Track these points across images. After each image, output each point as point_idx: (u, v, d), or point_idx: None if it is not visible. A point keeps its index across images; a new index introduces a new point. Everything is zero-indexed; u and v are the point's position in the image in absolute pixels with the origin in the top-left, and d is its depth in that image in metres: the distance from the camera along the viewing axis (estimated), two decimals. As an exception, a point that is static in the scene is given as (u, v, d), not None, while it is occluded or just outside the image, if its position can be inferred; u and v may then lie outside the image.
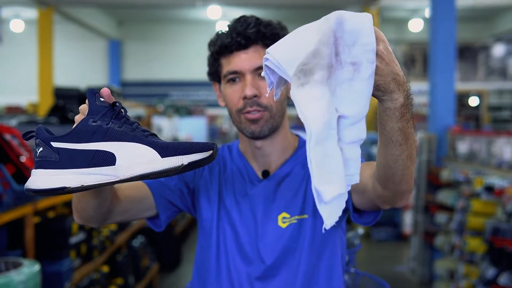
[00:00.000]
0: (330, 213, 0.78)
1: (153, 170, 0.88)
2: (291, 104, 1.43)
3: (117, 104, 0.94)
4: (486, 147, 4.66)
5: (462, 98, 13.80)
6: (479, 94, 14.52)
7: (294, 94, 0.76)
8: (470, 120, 12.70)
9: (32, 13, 11.15)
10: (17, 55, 13.57)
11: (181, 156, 0.89)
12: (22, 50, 13.27)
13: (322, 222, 1.30)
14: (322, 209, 0.78)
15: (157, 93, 13.92)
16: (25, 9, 11.54)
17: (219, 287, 1.30)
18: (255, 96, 1.25)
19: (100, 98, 0.93)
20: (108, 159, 0.89)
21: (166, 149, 0.90)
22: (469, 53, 14.44)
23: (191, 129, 8.83)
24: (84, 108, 0.96)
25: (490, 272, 3.53)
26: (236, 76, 1.27)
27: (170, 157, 0.89)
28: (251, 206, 1.31)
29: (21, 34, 12.85)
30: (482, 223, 3.88)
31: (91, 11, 12.03)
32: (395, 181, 1.02)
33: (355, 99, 0.78)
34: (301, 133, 1.49)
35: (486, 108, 14.40)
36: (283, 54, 0.79)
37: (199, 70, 13.45)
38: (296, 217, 1.29)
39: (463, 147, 5.06)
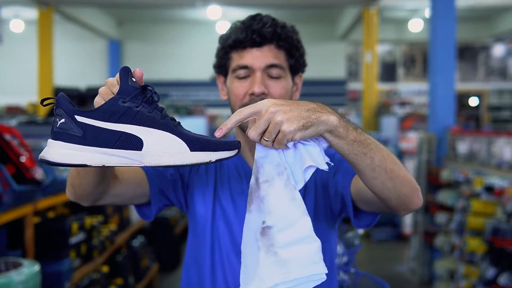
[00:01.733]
0: None
1: (181, 163, 0.87)
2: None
3: (149, 88, 0.92)
4: (486, 147, 4.66)
5: (462, 98, 13.81)
6: (479, 94, 14.52)
7: None
8: (470, 120, 12.70)
9: (32, 13, 11.15)
10: (17, 55, 13.57)
11: (210, 152, 0.88)
12: (22, 50, 13.27)
13: (323, 223, 1.31)
14: None
15: (157, 93, 13.91)
16: (25, 9, 11.53)
17: (213, 285, 1.30)
18: (263, 93, 1.25)
19: (133, 79, 0.90)
20: (135, 143, 0.87)
21: (195, 143, 0.88)
22: (469, 53, 14.44)
23: (191, 129, 8.75)
24: (111, 82, 0.93)
25: (490, 272, 3.53)
26: (246, 72, 1.27)
27: (200, 152, 0.88)
28: (247, 203, 1.31)
29: (21, 34, 12.85)
30: (482, 223, 3.88)
31: (91, 11, 12.03)
32: (389, 187, 1.01)
33: (274, 209, 0.91)
34: None
35: (486, 108, 14.40)
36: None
37: (199, 70, 13.49)
38: None
39: (463, 147, 5.06)
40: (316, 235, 1.29)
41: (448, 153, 5.36)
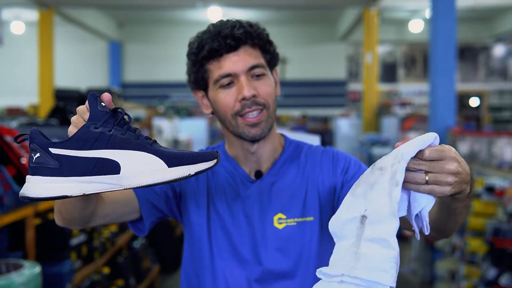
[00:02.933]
0: None
1: (161, 181, 0.87)
2: (291, 105, 1.43)
3: (119, 110, 0.91)
4: (487, 147, 4.66)
5: (462, 99, 13.81)
6: (480, 95, 14.52)
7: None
8: (470, 120, 12.70)
9: (32, 14, 11.16)
10: (17, 56, 13.59)
11: (188, 166, 0.88)
12: (23, 52, 13.29)
13: (327, 232, 1.30)
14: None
15: (158, 94, 13.93)
16: (25, 10, 11.55)
17: None
18: (253, 96, 1.24)
19: (102, 103, 0.89)
20: (112, 167, 0.86)
21: (172, 158, 0.88)
22: (469, 54, 14.45)
23: (192, 130, 8.83)
24: (82, 110, 0.93)
25: (491, 272, 3.53)
26: (230, 80, 1.24)
27: (177, 167, 0.88)
28: (245, 208, 1.29)
29: (22, 36, 12.87)
30: (483, 224, 3.87)
31: (92, 12, 12.04)
32: (449, 227, 1.08)
33: (374, 198, 0.88)
34: (285, 132, 1.49)
35: (486, 108, 14.40)
36: None
37: (200, 71, 13.52)
38: (296, 219, 1.28)
39: (463, 147, 5.06)
40: (323, 247, 1.29)
41: (449, 154, 5.36)
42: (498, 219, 3.70)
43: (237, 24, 1.26)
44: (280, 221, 1.28)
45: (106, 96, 0.91)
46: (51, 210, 2.87)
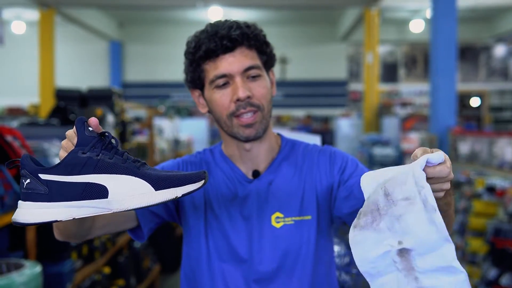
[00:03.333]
0: None
1: (148, 204, 0.89)
2: (292, 105, 1.43)
3: (106, 134, 0.92)
4: (488, 147, 4.65)
5: (463, 99, 13.80)
6: (480, 95, 14.52)
7: (350, 234, 0.91)
8: (471, 120, 12.70)
9: (33, 14, 11.17)
10: (18, 56, 13.59)
11: (175, 188, 0.90)
12: (24, 52, 13.30)
13: (327, 223, 1.31)
14: None
15: (158, 94, 13.93)
16: (26, 10, 11.55)
17: None
18: (248, 97, 1.24)
19: (89, 128, 0.91)
20: (100, 192, 0.88)
21: (159, 181, 0.90)
22: (470, 54, 14.44)
23: (192, 130, 8.83)
24: (70, 134, 0.94)
25: (492, 272, 3.53)
26: (225, 80, 1.25)
27: (164, 190, 0.90)
28: (242, 208, 1.29)
29: (23, 36, 12.88)
30: (483, 224, 3.87)
31: (92, 12, 12.05)
32: None
33: (413, 230, 0.85)
34: (283, 132, 1.49)
35: (487, 108, 14.40)
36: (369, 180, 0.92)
37: (200, 71, 13.54)
38: (294, 218, 1.28)
39: (464, 147, 5.06)
40: (321, 246, 1.30)
41: (450, 154, 5.36)
42: (499, 219, 3.70)
43: (234, 25, 1.26)
44: (277, 220, 1.28)
45: (93, 120, 0.92)
46: (51, 210, 2.87)
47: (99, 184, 0.88)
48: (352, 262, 1.70)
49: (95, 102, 4.22)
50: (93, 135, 0.90)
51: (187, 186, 0.91)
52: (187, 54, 1.31)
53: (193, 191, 0.92)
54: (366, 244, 0.88)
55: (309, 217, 1.29)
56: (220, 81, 1.25)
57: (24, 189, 0.88)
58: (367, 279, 0.89)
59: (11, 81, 13.82)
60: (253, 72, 1.26)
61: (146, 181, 0.90)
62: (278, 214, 1.29)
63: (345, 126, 10.82)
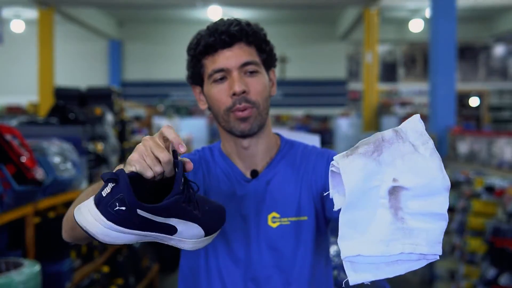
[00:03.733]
0: (354, 270, 0.84)
1: (194, 249, 1.00)
2: (291, 104, 1.43)
3: (192, 185, 0.96)
4: (487, 147, 4.66)
5: (462, 99, 13.81)
6: (480, 95, 14.53)
7: (340, 162, 0.84)
8: (470, 120, 12.70)
9: (32, 13, 11.16)
10: (17, 55, 13.59)
11: (212, 236, 1.02)
12: (23, 50, 13.29)
13: (323, 224, 1.32)
14: (345, 265, 0.85)
15: (158, 93, 13.93)
16: (25, 9, 11.55)
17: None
18: (244, 92, 1.25)
19: (182, 180, 0.94)
20: (171, 230, 0.95)
21: (207, 230, 1.00)
22: (469, 53, 14.45)
23: (192, 129, 8.82)
24: (157, 151, 0.91)
25: (491, 272, 3.53)
26: (222, 75, 1.27)
27: (208, 237, 1.01)
28: (240, 207, 1.30)
29: (22, 35, 12.87)
30: (482, 224, 3.88)
31: (92, 11, 12.04)
32: None
33: (418, 171, 0.83)
34: (282, 132, 1.49)
35: (486, 108, 14.41)
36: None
37: (200, 70, 13.55)
38: (290, 218, 1.28)
39: (463, 147, 5.06)
40: (318, 246, 1.30)
41: (449, 153, 5.36)
42: (497, 219, 3.70)
43: (234, 22, 1.28)
44: (274, 220, 1.29)
45: (189, 166, 0.94)
46: (51, 209, 2.87)
47: (173, 225, 0.95)
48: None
49: (94, 101, 4.21)
50: (183, 185, 0.93)
51: (216, 233, 1.03)
52: (189, 50, 1.32)
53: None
54: (363, 173, 0.83)
55: (305, 218, 1.29)
56: (218, 75, 1.27)
57: (113, 211, 0.88)
58: (343, 209, 0.84)
59: (10, 79, 13.81)
60: (250, 68, 1.27)
61: (203, 229, 0.99)
62: (274, 214, 1.29)
63: (344, 125, 10.82)
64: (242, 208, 1.30)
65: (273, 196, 1.30)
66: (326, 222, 1.33)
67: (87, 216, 0.90)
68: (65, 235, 1.17)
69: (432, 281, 5.19)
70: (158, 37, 14.39)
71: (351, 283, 0.84)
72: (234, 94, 1.25)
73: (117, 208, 0.88)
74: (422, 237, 0.83)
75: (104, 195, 0.89)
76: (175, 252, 5.44)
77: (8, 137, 2.23)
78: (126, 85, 14.28)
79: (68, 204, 3.06)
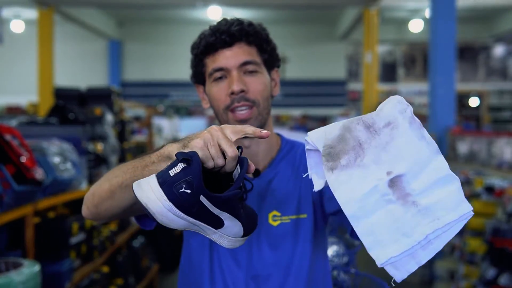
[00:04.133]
0: (396, 269, 0.83)
1: (232, 247, 0.99)
2: (291, 104, 1.43)
3: (247, 184, 0.96)
4: (486, 147, 4.66)
5: (462, 99, 13.81)
6: (479, 95, 14.53)
7: (326, 178, 0.86)
8: (470, 120, 12.70)
9: (32, 13, 11.15)
10: (17, 55, 13.58)
11: (246, 237, 1.00)
12: (22, 51, 13.28)
13: (321, 221, 1.32)
14: (387, 269, 0.84)
15: (157, 93, 13.92)
16: (25, 9, 11.54)
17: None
18: (242, 91, 1.26)
19: (244, 180, 0.94)
20: (217, 223, 0.93)
21: (246, 231, 0.99)
22: (469, 54, 14.45)
23: (191, 129, 8.83)
24: (219, 140, 0.91)
25: (490, 272, 3.53)
26: (222, 74, 1.28)
27: (243, 238, 0.99)
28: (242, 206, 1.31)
29: (22, 35, 12.86)
30: (482, 224, 3.88)
31: (91, 11, 12.04)
32: None
33: (403, 154, 0.83)
34: (282, 132, 1.50)
35: (486, 108, 14.41)
36: (317, 136, 0.89)
37: (199, 71, 13.55)
38: (291, 216, 1.29)
39: (463, 147, 5.06)
40: (316, 243, 1.31)
41: (449, 153, 5.36)
42: (497, 219, 3.70)
43: (236, 22, 1.29)
44: (274, 218, 1.30)
45: (252, 169, 0.93)
46: (50, 209, 2.87)
47: (223, 219, 0.93)
48: (351, 261, 1.70)
49: (94, 101, 4.21)
50: (241, 185, 0.94)
51: (248, 236, 1.01)
52: (192, 49, 1.34)
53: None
54: (351, 183, 0.84)
55: (305, 216, 1.30)
56: (217, 74, 1.28)
57: (177, 192, 0.87)
58: (353, 224, 0.83)
59: (10, 80, 13.81)
60: (250, 67, 1.28)
61: (243, 228, 0.98)
62: (275, 212, 1.30)
63: (344, 125, 10.81)
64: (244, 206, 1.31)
65: (274, 195, 1.31)
66: (324, 219, 1.34)
67: (149, 193, 0.88)
68: (87, 211, 1.16)
69: (432, 281, 5.19)
70: (158, 37, 14.38)
71: (398, 280, 0.83)
72: (232, 93, 1.26)
73: (182, 190, 0.87)
74: (442, 208, 0.82)
75: (171, 175, 0.88)
76: (175, 252, 5.44)
77: (8, 137, 2.23)
78: (125, 85, 14.28)
79: (68, 204, 3.07)
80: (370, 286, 1.52)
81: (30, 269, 1.93)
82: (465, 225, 3.39)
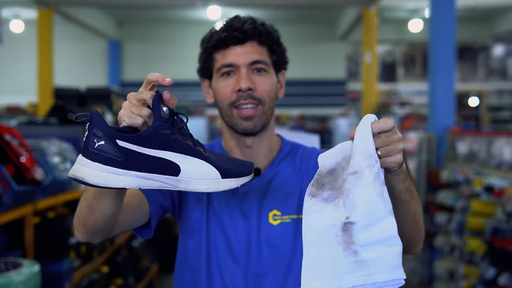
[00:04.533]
0: None
1: (214, 190, 0.92)
2: (291, 104, 1.44)
3: (180, 116, 0.95)
4: (486, 147, 4.66)
5: (462, 99, 13.81)
6: (479, 95, 14.53)
7: (304, 200, 0.92)
8: (469, 120, 12.70)
9: (32, 13, 11.15)
10: (17, 55, 13.57)
11: (236, 179, 0.94)
12: (22, 51, 13.27)
13: None
14: None
15: (157, 93, 13.90)
16: (25, 9, 11.53)
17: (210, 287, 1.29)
18: (250, 89, 1.26)
19: (164, 108, 0.92)
20: (172, 169, 0.90)
21: (224, 170, 0.94)
22: (469, 54, 14.45)
23: (191, 129, 8.77)
24: (138, 99, 0.93)
25: (490, 272, 3.53)
26: (230, 70, 1.28)
27: (229, 179, 0.93)
28: (242, 205, 1.30)
29: (21, 35, 12.85)
30: (482, 224, 3.88)
31: (91, 11, 12.03)
32: (408, 233, 1.10)
33: (359, 203, 0.87)
34: (282, 132, 1.50)
35: (486, 108, 14.40)
36: (325, 156, 0.95)
37: (199, 71, 13.52)
38: (291, 216, 1.30)
39: (462, 147, 5.06)
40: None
41: (448, 153, 5.36)
42: (497, 219, 3.71)
43: (249, 20, 1.30)
44: (275, 217, 1.30)
45: (168, 97, 0.93)
46: (50, 209, 2.87)
47: (173, 162, 0.90)
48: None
49: (93, 101, 4.22)
50: (169, 114, 0.92)
51: (243, 178, 0.96)
52: (202, 43, 1.34)
53: (247, 183, 0.97)
54: (321, 215, 0.90)
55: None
56: (226, 70, 1.28)
57: (93, 149, 0.86)
58: (304, 249, 0.90)
59: (9, 80, 13.80)
60: (259, 66, 1.29)
61: (215, 168, 0.92)
62: (275, 211, 1.30)
63: (344, 125, 10.82)
64: (245, 206, 1.31)
65: (274, 194, 1.31)
66: None
67: (78, 168, 0.87)
68: (79, 234, 1.16)
69: (432, 281, 5.19)
70: (158, 37, 14.38)
71: None
72: (239, 90, 1.26)
73: (97, 145, 0.86)
74: (377, 266, 0.86)
75: (84, 140, 0.88)
76: (174, 252, 5.44)
77: (8, 137, 2.23)
78: (125, 85, 14.27)
79: (67, 204, 3.06)
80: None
81: (29, 269, 1.93)
82: (465, 225, 3.36)
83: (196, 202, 1.33)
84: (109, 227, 1.13)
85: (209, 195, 1.33)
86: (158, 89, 0.96)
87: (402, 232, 1.06)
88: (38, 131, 3.12)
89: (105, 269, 3.38)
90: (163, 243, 5.25)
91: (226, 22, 1.31)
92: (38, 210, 2.53)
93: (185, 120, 0.95)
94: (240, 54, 1.28)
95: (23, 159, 2.22)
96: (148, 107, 0.93)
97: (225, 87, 1.29)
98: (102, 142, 0.87)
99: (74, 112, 3.48)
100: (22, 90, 13.12)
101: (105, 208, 1.06)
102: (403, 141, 0.93)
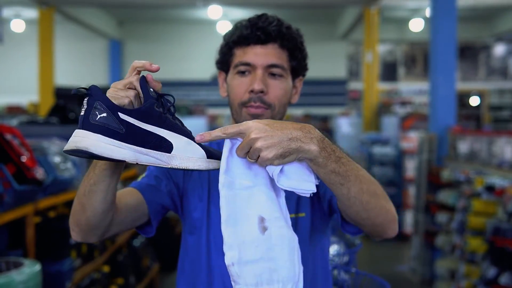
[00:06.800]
0: None
1: (202, 168, 0.95)
2: (293, 104, 1.43)
3: (168, 98, 0.98)
4: (487, 147, 4.65)
5: (462, 98, 13.80)
6: (480, 94, 14.52)
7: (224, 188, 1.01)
8: (470, 119, 12.69)
9: (32, 13, 11.15)
10: (17, 55, 13.58)
11: (218, 161, 0.97)
12: (23, 50, 13.28)
13: (319, 220, 1.32)
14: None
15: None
16: (25, 9, 11.54)
17: (210, 286, 1.29)
18: (262, 91, 1.26)
19: (150, 89, 0.96)
20: (166, 146, 0.93)
21: (208, 151, 0.98)
22: (469, 53, 14.44)
23: (192, 129, 8.78)
24: (120, 84, 0.98)
25: (491, 272, 3.53)
26: (247, 69, 1.28)
27: (213, 160, 0.97)
28: None
29: (22, 34, 12.86)
30: (483, 223, 3.87)
31: (92, 11, 12.03)
32: (363, 217, 1.06)
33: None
34: None
35: (487, 108, 14.39)
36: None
37: (200, 70, 13.48)
38: (290, 215, 1.29)
39: (463, 147, 5.06)
40: (315, 242, 1.32)
41: (449, 153, 5.35)
42: (498, 218, 3.70)
43: (276, 21, 1.30)
44: None
45: (152, 80, 0.97)
46: (51, 208, 2.87)
47: (167, 139, 0.93)
48: (351, 261, 1.70)
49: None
50: (156, 95, 0.96)
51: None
52: (224, 35, 1.35)
53: None
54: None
55: (303, 214, 1.31)
56: (242, 68, 1.28)
57: (94, 121, 0.88)
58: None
59: (10, 79, 13.80)
60: (276, 70, 1.28)
61: (201, 148, 0.97)
62: None
63: (345, 125, 10.81)
64: None
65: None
66: (324, 218, 1.34)
67: (74, 139, 0.89)
68: (74, 233, 1.17)
69: (433, 280, 5.18)
70: (158, 36, 14.38)
71: None
72: (251, 91, 1.26)
73: (99, 117, 0.89)
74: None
75: (83, 114, 0.89)
76: (175, 251, 5.44)
77: (9, 136, 2.23)
78: (126, 84, 14.28)
79: (68, 204, 3.06)
80: (370, 286, 1.52)
81: (30, 268, 1.93)
82: (466, 224, 3.35)
83: (197, 201, 1.33)
84: (103, 226, 1.14)
85: (210, 192, 1.33)
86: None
87: (355, 218, 1.08)
88: (39, 131, 3.12)
89: (106, 268, 3.38)
90: (164, 243, 5.25)
91: (252, 19, 1.31)
92: (39, 210, 2.53)
93: (172, 101, 0.98)
94: (259, 55, 1.27)
95: (24, 158, 2.22)
96: (134, 90, 0.97)
97: (239, 85, 1.29)
98: (104, 114, 0.89)
99: (75, 111, 3.48)
100: (23, 90, 13.12)
101: (96, 205, 1.08)
102: (266, 138, 0.91)
